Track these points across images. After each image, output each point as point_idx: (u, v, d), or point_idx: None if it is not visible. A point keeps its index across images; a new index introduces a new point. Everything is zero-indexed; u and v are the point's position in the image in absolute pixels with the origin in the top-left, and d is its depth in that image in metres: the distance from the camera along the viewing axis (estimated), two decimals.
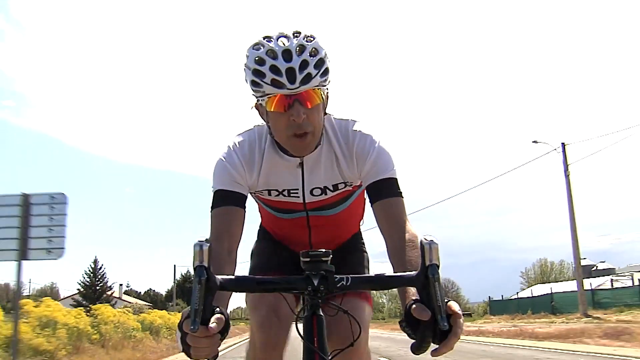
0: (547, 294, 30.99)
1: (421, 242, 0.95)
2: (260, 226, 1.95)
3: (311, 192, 1.58)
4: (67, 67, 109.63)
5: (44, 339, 8.81)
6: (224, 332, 0.94)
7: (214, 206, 1.43)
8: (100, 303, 18.42)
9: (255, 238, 1.97)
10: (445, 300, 0.95)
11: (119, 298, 44.43)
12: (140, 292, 66.19)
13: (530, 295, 35.10)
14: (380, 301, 60.26)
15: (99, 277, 41.20)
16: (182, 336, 0.94)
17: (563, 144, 21.08)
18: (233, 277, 1.03)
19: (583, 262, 31.59)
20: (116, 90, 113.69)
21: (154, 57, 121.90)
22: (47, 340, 8.87)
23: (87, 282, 40.36)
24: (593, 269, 41.57)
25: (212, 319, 0.91)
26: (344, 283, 1.00)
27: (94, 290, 39.72)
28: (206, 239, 0.93)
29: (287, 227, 1.77)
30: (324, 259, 1.00)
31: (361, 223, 1.93)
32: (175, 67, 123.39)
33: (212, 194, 1.47)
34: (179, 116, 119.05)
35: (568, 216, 20.84)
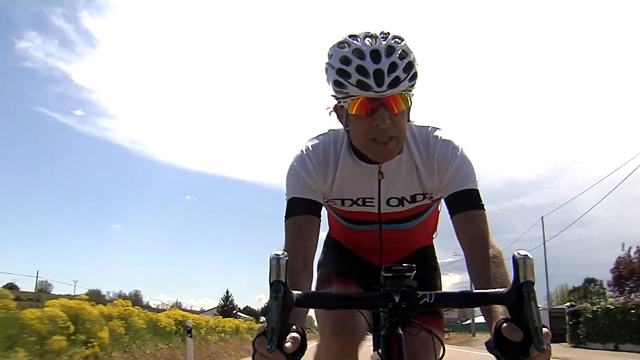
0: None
1: (514, 257, 0.89)
2: (327, 235, 1.87)
3: (387, 202, 1.51)
4: (133, 76, 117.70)
5: None
6: (299, 352, 0.90)
7: (288, 215, 1.38)
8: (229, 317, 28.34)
9: (322, 248, 1.87)
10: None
11: (238, 315, 63.20)
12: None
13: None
14: None
15: (230, 300, 66.83)
16: (254, 354, 0.92)
17: None
18: (309, 292, 1.01)
19: None
20: (182, 97, 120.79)
21: (221, 65, 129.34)
22: None
23: (223, 304, 64.44)
24: None
25: (288, 338, 0.88)
26: (427, 300, 0.94)
27: (227, 310, 63.06)
28: (283, 252, 0.90)
29: (357, 238, 1.71)
30: (407, 274, 0.95)
31: (434, 235, 1.86)
32: (241, 76, 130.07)
33: (285, 202, 1.42)
34: (243, 123, 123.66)
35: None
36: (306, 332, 0.93)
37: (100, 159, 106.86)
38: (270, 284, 0.88)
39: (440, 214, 1.71)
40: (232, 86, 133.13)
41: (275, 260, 0.88)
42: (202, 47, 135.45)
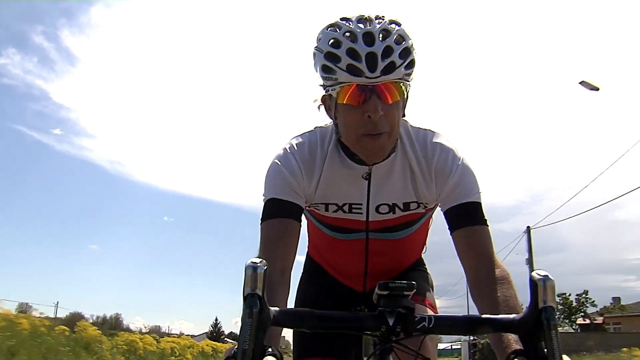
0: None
1: (532, 278, 0.77)
2: (307, 257, 1.74)
3: (377, 209, 1.38)
4: (113, 96, 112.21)
5: None
6: None
7: (265, 217, 1.26)
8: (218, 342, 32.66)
9: (301, 272, 1.73)
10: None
11: (225, 340, 64.34)
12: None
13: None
14: None
15: (218, 327, 70.46)
16: None
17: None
18: (288, 310, 0.87)
19: None
20: (161, 118, 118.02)
21: (201, 87, 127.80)
22: None
23: (212, 330, 67.32)
24: None
25: None
26: (425, 324, 0.82)
27: (216, 335, 66.26)
28: (261, 260, 0.76)
29: (340, 250, 1.56)
30: (406, 293, 0.82)
31: (423, 251, 1.72)
32: (221, 99, 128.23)
33: (262, 203, 1.29)
34: (223, 146, 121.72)
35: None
36: (283, 356, 0.80)
37: (78, 178, 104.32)
38: (244, 297, 0.74)
39: (430, 229, 1.63)
40: (212, 108, 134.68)
41: (251, 270, 0.75)
42: (182, 70, 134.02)
